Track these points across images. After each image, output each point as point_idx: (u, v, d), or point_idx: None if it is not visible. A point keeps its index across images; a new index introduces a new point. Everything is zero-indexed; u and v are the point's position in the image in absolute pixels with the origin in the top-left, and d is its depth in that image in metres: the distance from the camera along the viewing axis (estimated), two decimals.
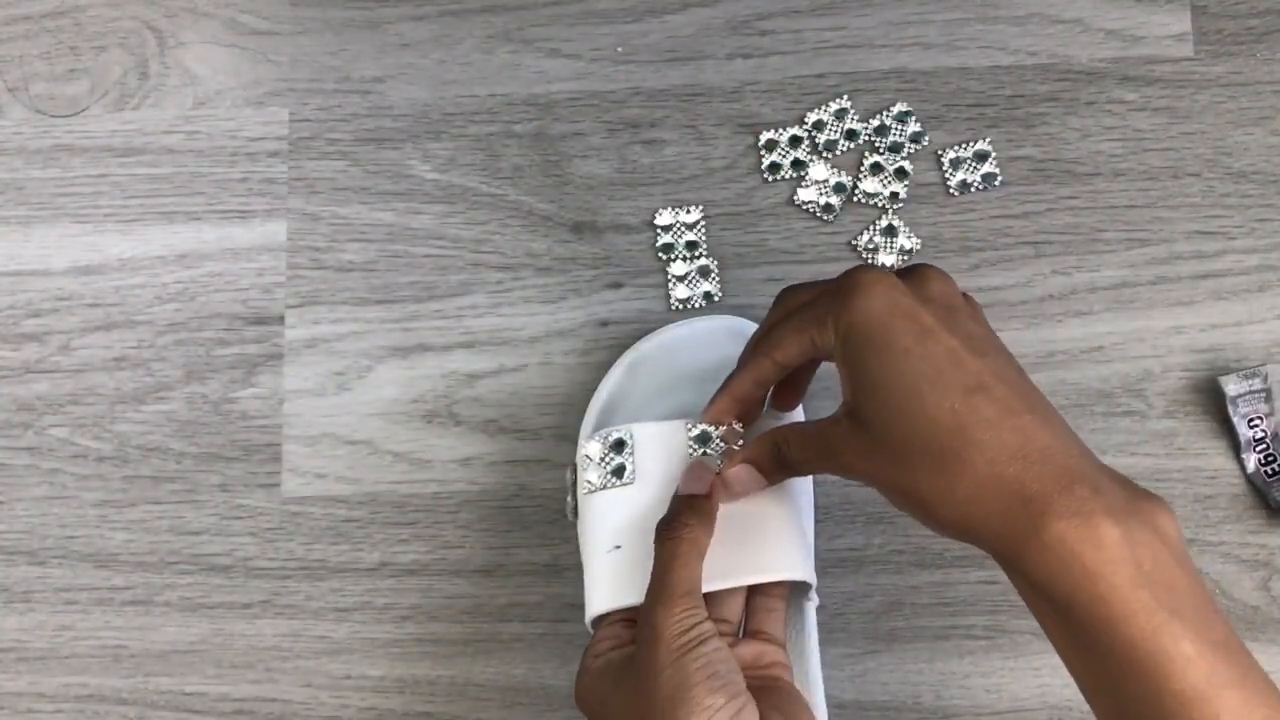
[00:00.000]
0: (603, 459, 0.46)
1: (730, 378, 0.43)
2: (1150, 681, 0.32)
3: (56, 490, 0.54)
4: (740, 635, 0.45)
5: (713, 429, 0.44)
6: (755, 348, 0.42)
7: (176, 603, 0.53)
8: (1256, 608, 0.51)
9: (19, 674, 0.53)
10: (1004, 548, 0.34)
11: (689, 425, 0.45)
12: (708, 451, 0.44)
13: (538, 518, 0.53)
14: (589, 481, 0.46)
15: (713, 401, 0.43)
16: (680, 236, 0.54)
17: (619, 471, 0.45)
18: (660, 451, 0.45)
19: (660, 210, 0.54)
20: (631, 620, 0.42)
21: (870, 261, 0.54)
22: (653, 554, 0.41)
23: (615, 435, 0.46)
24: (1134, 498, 0.34)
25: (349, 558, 0.53)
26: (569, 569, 0.52)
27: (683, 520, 0.41)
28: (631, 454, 0.45)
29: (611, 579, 0.44)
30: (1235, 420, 0.51)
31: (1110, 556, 0.33)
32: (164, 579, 0.53)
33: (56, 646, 0.53)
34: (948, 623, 0.51)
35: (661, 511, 0.42)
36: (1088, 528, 0.33)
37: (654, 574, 0.40)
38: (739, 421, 0.43)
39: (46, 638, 0.53)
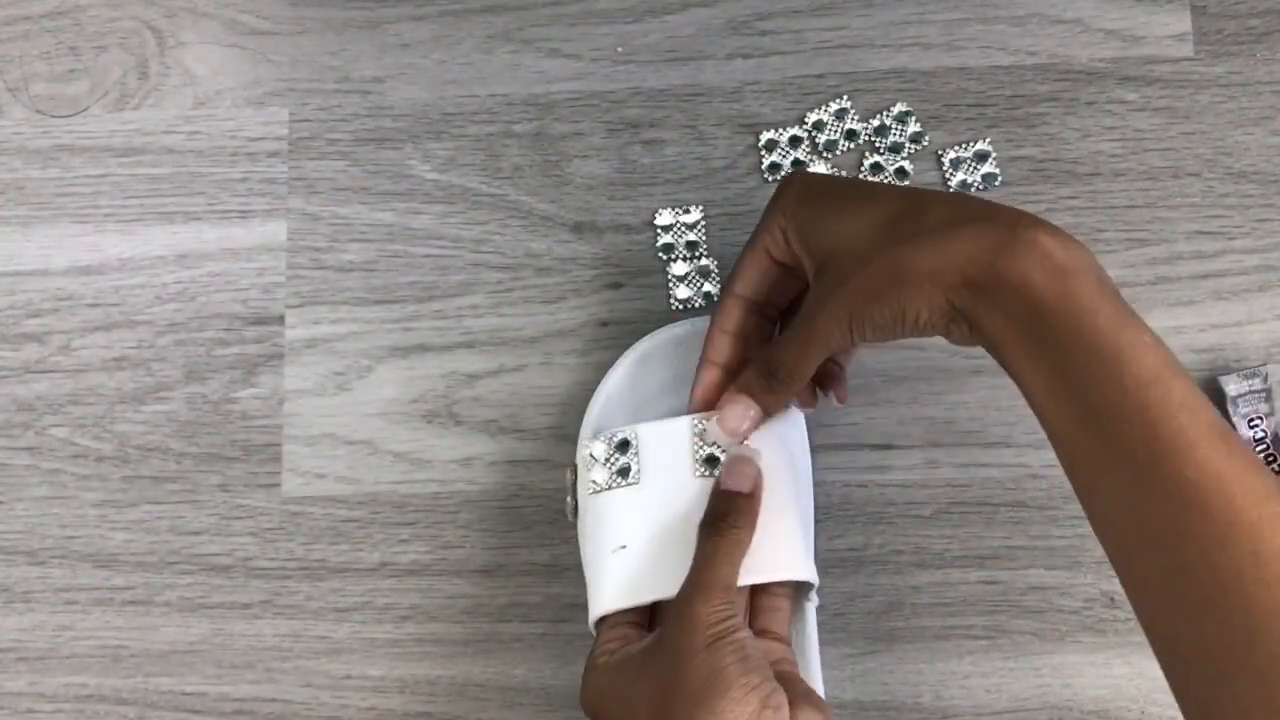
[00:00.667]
0: (608, 459, 0.46)
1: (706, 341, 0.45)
2: (1113, 366, 0.34)
3: (56, 490, 0.54)
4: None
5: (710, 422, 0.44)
6: (721, 293, 0.45)
7: (176, 603, 0.53)
8: None
9: (19, 674, 0.53)
10: (974, 270, 0.36)
11: (695, 421, 0.45)
12: (713, 453, 0.44)
13: (538, 518, 0.53)
14: (594, 482, 0.46)
15: (696, 381, 0.45)
16: (681, 237, 0.54)
17: (624, 472, 0.45)
18: (665, 450, 0.45)
19: (660, 210, 0.54)
20: (638, 623, 0.43)
21: None
22: (659, 553, 0.42)
23: (620, 435, 0.46)
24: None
25: (349, 558, 0.53)
26: (569, 569, 0.52)
27: (731, 521, 0.41)
28: (636, 454, 0.45)
29: (619, 579, 0.43)
30: (1235, 420, 0.51)
31: (1078, 261, 0.36)
32: (164, 579, 0.53)
33: (56, 646, 0.53)
34: (948, 623, 0.51)
35: (667, 510, 0.43)
36: (1056, 236, 0.36)
37: (695, 567, 0.41)
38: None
39: (46, 638, 0.53)
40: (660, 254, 0.54)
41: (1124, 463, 0.34)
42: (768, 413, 0.43)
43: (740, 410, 0.43)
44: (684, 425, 0.45)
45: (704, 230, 0.54)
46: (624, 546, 0.44)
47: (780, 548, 0.43)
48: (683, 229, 0.54)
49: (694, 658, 0.38)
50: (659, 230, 0.54)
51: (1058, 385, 0.35)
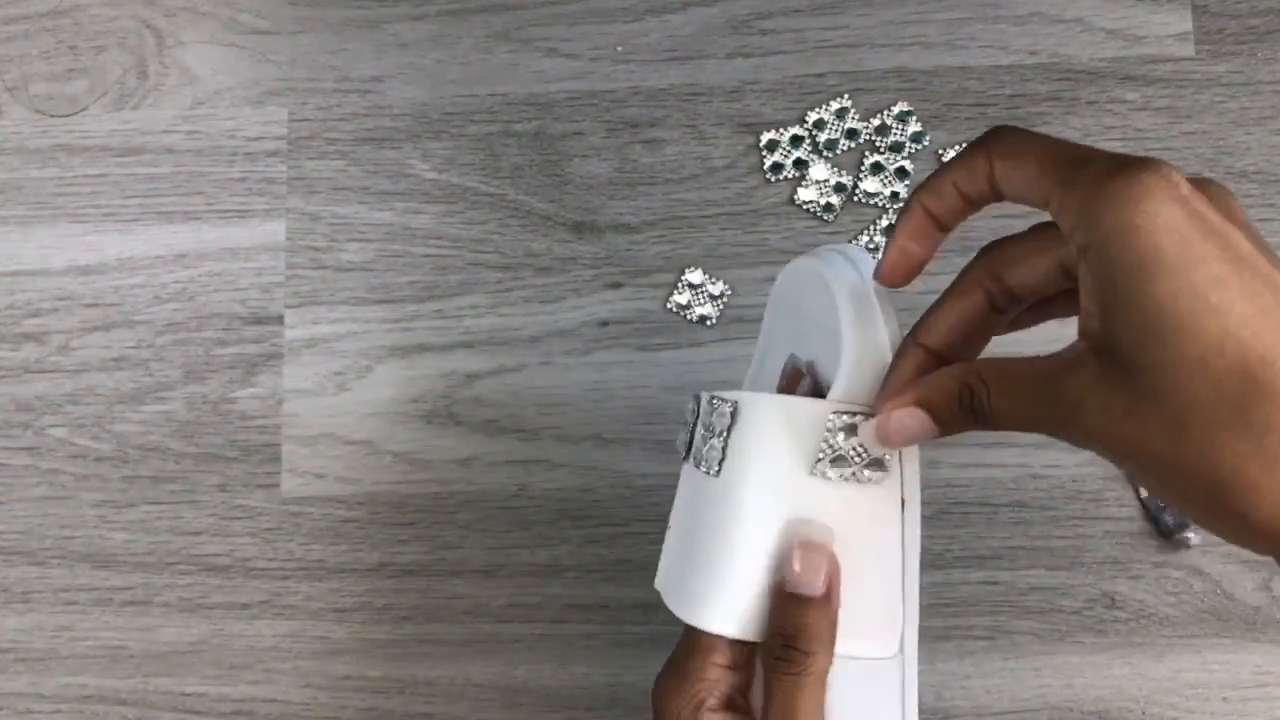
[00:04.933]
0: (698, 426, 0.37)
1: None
2: None
3: (56, 490, 0.54)
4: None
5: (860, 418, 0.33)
6: (970, 150, 0.31)
7: (176, 603, 0.53)
8: (1258, 608, 0.51)
9: (18, 674, 0.53)
10: None
11: (838, 416, 0.34)
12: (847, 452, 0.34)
13: (537, 518, 0.53)
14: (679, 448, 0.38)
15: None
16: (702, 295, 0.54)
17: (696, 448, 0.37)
18: (782, 432, 0.34)
19: (690, 269, 0.54)
20: (745, 650, 0.34)
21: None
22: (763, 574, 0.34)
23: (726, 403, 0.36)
24: None
25: (348, 558, 0.53)
26: (569, 569, 0.52)
27: (804, 648, 0.32)
28: (726, 433, 0.35)
29: (734, 594, 0.34)
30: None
31: None
32: (163, 579, 0.53)
33: (56, 647, 0.53)
34: (948, 623, 0.51)
35: (772, 508, 0.34)
36: None
37: (774, 712, 0.32)
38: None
39: (46, 638, 0.53)
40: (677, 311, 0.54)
41: None
42: (944, 433, 0.32)
43: (912, 425, 0.32)
44: (821, 411, 0.34)
45: (724, 303, 0.54)
46: (670, 526, 0.38)
47: (859, 615, 0.34)
48: (705, 297, 0.54)
49: None
50: (688, 287, 0.54)
51: None
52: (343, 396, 0.54)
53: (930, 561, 0.51)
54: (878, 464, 0.34)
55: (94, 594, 0.53)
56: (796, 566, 0.33)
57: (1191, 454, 0.26)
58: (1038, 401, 0.29)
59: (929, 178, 0.33)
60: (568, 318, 0.54)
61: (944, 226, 0.34)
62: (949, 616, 0.51)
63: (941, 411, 0.32)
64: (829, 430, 0.34)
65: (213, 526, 0.53)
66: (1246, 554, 0.51)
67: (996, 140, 0.31)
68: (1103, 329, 0.28)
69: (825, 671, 0.33)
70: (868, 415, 0.34)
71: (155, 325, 0.55)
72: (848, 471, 0.34)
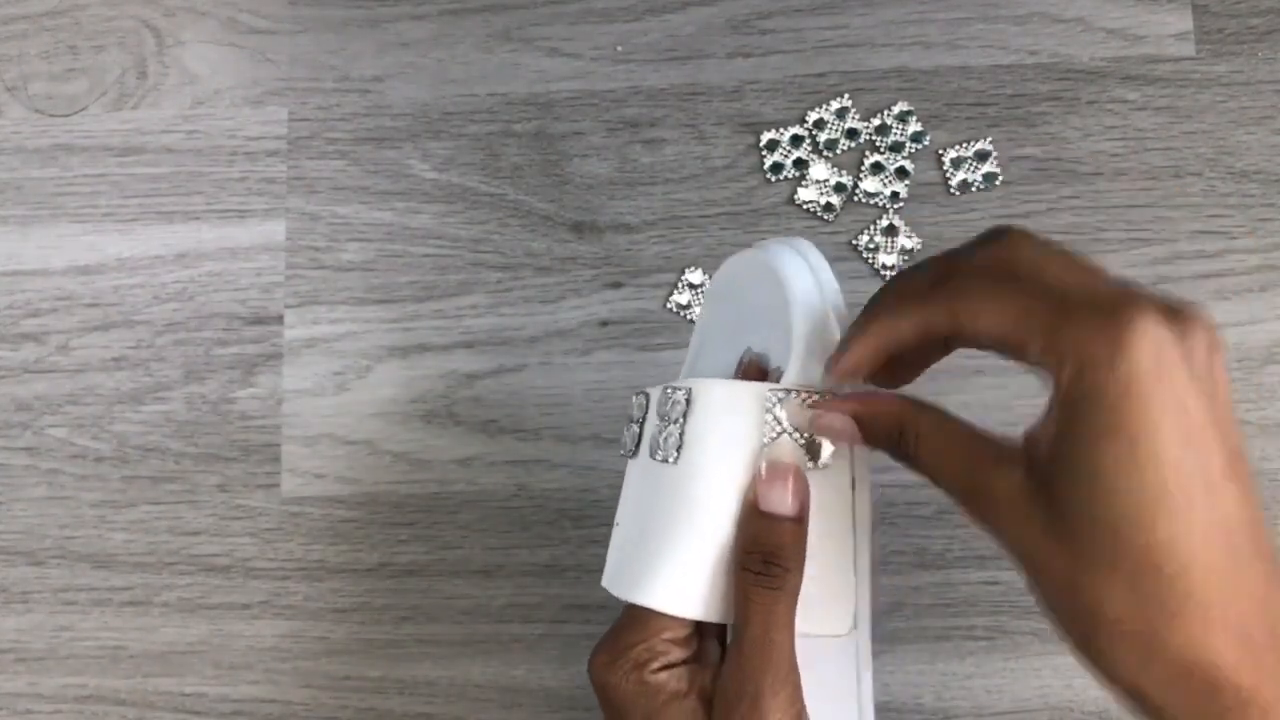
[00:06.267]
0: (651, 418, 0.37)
1: (867, 318, 0.33)
2: None
3: (55, 490, 0.54)
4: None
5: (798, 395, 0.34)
6: (930, 292, 0.31)
7: (175, 603, 0.53)
8: None
9: (17, 674, 0.53)
10: None
11: (771, 393, 0.35)
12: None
13: (537, 518, 0.53)
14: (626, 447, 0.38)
15: (847, 346, 0.33)
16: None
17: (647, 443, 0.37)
18: (725, 417, 0.35)
19: (690, 269, 0.54)
20: (686, 624, 0.35)
21: (871, 261, 0.53)
22: (715, 560, 0.34)
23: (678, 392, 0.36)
24: None
25: (348, 558, 0.53)
26: (568, 569, 0.52)
27: (781, 564, 0.33)
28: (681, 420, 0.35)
29: (679, 577, 0.34)
30: None
31: None
32: (163, 579, 0.53)
33: (55, 647, 0.53)
34: (949, 623, 0.51)
35: (716, 496, 0.34)
36: None
37: (751, 636, 0.32)
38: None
39: (45, 638, 0.53)
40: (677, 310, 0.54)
41: None
42: (864, 444, 0.34)
43: (841, 429, 0.33)
44: (754, 393, 0.35)
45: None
46: (618, 524, 0.37)
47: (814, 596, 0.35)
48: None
49: None
50: (687, 286, 0.54)
51: None
52: (343, 396, 0.54)
53: (930, 561, 0.51)
54: (813, 446, 0.35)
55: (93, 594, 0.53)
56: (769, 484, 0.34)
57: (1093, 592, 0.28)
58: (961, 476, 0.31)
59: (879, 311, 0.33)
60: (568, 318, 0.54)
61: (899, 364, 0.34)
62: (949, 616, 0.51)
63: (871, 434, 0.33)
64: (767, 410, 0.34)
65: (212, 527, 0.53)
66: None
67: (946, 290, 0.31)
68: (1050, 458, 0.28)
69: (798, 590, 0.33)
70: (801, 394, 0.34)
71: (155, 325, 0.55)
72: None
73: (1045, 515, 0.28)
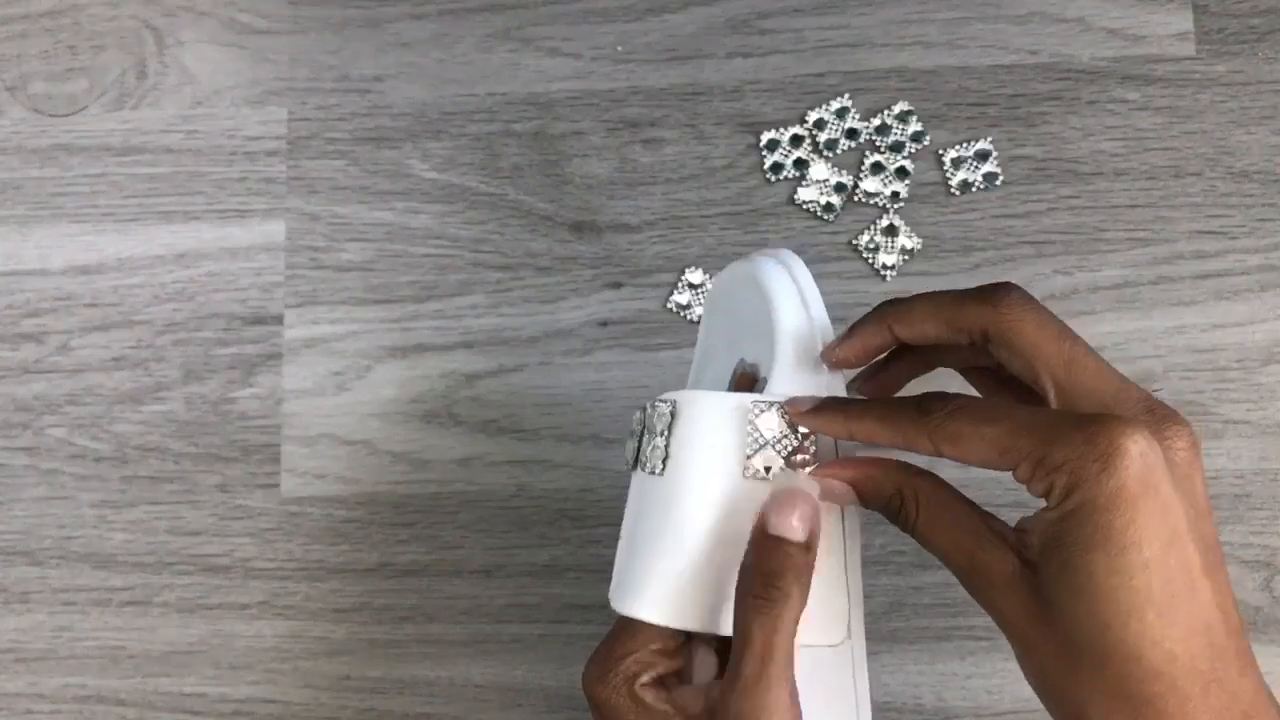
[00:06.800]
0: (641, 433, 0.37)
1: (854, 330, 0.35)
2: None
3: (55, 490, 0.54)
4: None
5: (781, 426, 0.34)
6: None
7: (175, 603, 0.53)
8: (1259, 608, 0.51)
9: (17, 675, 0.53)
10: None
11: (754, 405, 0.35)
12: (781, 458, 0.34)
13: (537, 518, 0.53)
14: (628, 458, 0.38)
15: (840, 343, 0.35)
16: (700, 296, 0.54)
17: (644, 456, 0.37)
18: (709, 431, 0.35)
19: (691, 269, 0.54)
20: (675, 635, 0.35)
21: (871, 261, 0.53)
22: (705, 566, 0.34)
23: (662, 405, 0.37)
24: None
25: (348, 558, 0.53)
26: (568, 569, 0.52)
27: (782, 588, 0.33)
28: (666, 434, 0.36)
29: (666, 586, 0.35)
30: None
31: None
32: (163, 579, 0.53)
33: (55, 647, 0.53)
34: (949, 623, 0.51)
35: (710, 509, 0.34)
36: None
37: (752, 656, 0.32)
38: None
39: (45, 638, 0.53)
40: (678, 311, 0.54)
41: None
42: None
43: (840, 493, 0.35)
44: (736, 404, 0.35)
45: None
46: (620, 538, 0.38)
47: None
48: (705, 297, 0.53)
49: None
50: (688, 286, 0.54)
51: None
52: (342, 396, 0.54)
53: (930, 561, 0.51)
54: (794, 460, 0.35)
55: (93, 594, 0.53)
56: (780, 509, 0.34)
57: (1073, 693, 0.30)
58: (959, 554, 0.33)
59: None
60: (568, 318, 0.54)
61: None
62: (949, 616, 0.51)
63: (869, 499, 0.34)
64: (750, 422, 0.35)
65: (212, 527, 0.53)
66: (1246, 554, 0.51)
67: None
68: (1042, 557, 0.31)
69: (799, 616, 0.33)
70: (782, 406, 0.35)
71: (155, 325, 0.55)
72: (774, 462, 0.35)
73: (1038, 606, 0.31)
